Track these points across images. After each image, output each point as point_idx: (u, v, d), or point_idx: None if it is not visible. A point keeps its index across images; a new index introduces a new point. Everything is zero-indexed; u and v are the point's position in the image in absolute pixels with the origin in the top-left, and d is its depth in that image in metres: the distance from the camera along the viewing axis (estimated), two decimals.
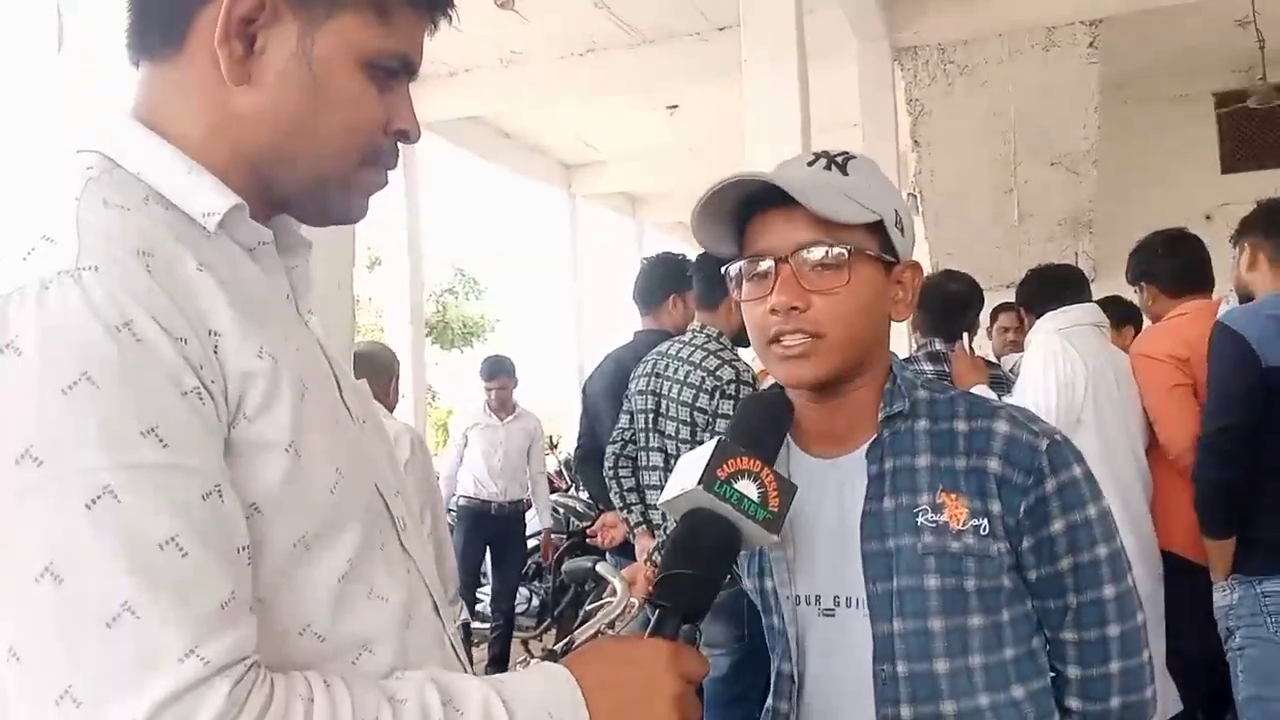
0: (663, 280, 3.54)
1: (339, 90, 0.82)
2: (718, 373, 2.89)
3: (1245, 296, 2.78)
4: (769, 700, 1.26)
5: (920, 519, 1.12)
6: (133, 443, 0.65)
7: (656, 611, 0.94)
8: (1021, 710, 1.12)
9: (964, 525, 1.10)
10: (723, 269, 1.20)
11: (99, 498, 0.63)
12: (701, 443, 2.81)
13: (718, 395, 2.86)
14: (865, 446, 1.18)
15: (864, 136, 7.73)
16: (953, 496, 1.12)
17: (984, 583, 1.11)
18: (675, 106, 8.66)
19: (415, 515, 0.94)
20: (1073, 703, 1.16)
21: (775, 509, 0.97)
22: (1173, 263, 3.22)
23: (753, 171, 1.14)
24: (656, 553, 2.83)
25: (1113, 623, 1.14)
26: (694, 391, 2.89)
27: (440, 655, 0.88)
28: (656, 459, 3.01)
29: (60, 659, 0.62)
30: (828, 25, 6.27)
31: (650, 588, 0.95)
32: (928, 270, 4.66)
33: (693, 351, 2.97)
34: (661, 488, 3.05)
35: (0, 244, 0.72)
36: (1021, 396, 2.81)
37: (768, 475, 0.98)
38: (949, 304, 3.17)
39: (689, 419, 2.89)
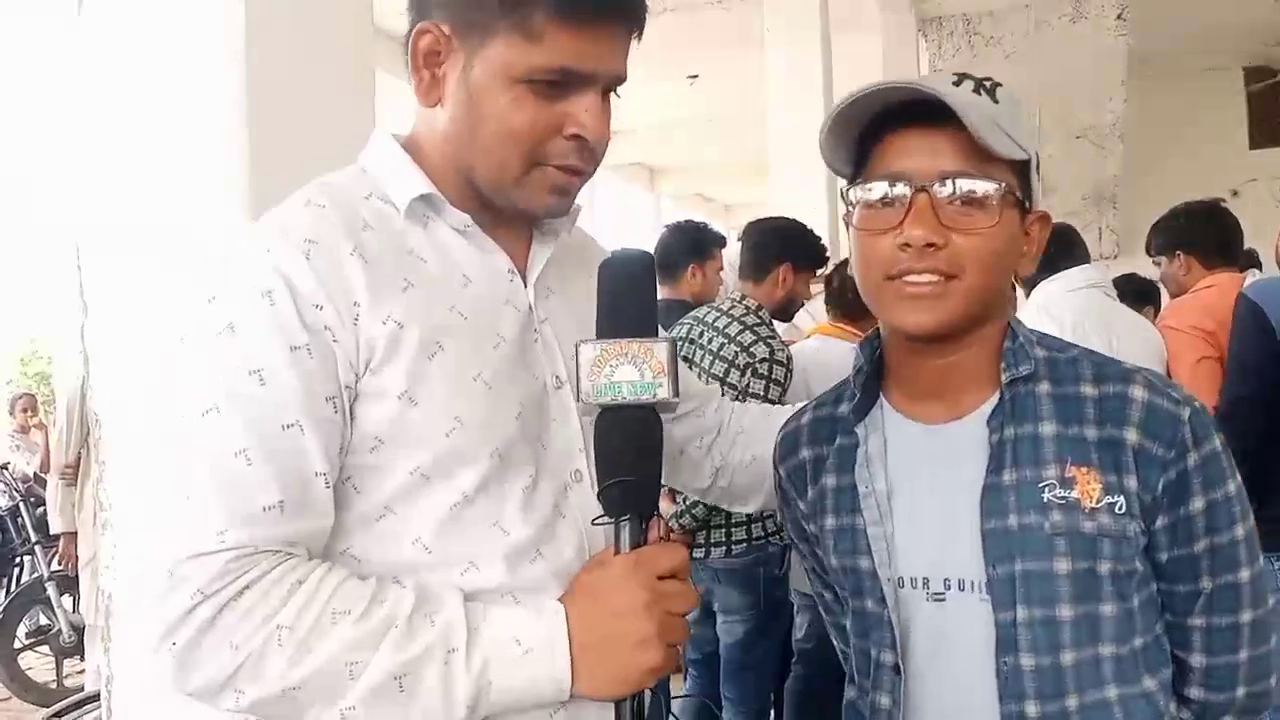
0: (683, 249, 3.51)
1: (491, 106, 0.97)
2: (751, 349, 2.85)
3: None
4: (858, 693, 1.14)
5: (1047, 495, 1.00)
6: (242, 377, 0.89)
7: (614, 527, 0.95)
8: (1153, 701, 1.03)
9: (1098, 503, 0.99)
10: (843, 191, 1.07)
11: (209, 411, 0.89)
12: None
13: (749, 373, 2.83)
14: (980, 411, 1.05)
15: None
16: (1084, 470, 1.00)
17: (1119, 566, 1.00)
18: (695, 77, 8.60)
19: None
20: (1194, 691, 1.07)
21: (662, 374, 0.93)
22: (1216, 229, 3.19)
23: (904, 79, 1.00)
24: (675, 519, 2.84)
25: (1246, 608, 1.04)
26: (726, 365, 2.87)
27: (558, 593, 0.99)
28: None
29: (159, 509, 0.91)
30: None
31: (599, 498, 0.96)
32: None
33: (729, 323, 2.93)
34: None
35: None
36: None
37: (637, 348, 0.94)
38: None
39: (719, 391, 2.87)
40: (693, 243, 3.51)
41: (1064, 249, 3.04)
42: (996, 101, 1.00)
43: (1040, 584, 1.00)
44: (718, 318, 2.96)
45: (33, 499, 6.21)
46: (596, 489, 0.97)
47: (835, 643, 1.31)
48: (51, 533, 5.38)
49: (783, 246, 3.06)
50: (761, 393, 2.81)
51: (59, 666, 5.43)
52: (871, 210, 1.02)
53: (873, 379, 1.12)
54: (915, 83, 0.99)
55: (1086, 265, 3.09)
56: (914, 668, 1.06)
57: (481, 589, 0.96)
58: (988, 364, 1.06)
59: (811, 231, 3.19)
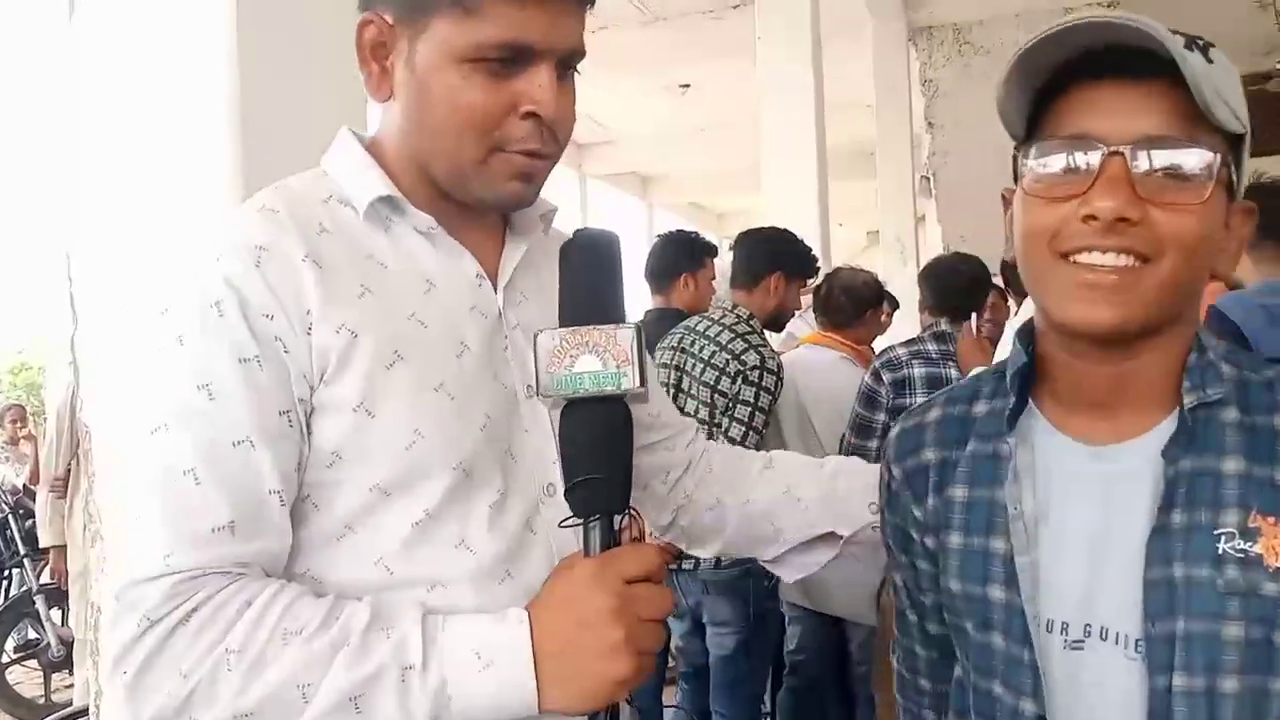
0: (675, 259, 3.52)
1: (439, 89, 0.92)
2: (742, 356, 2.85)
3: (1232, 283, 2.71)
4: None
5: (1223, 545, 0.83)
6: (189, 392, 0.86)
7: (583, 529, 0.90)
8: None
9: None
10: (1016, 151, 0.89)
11: (157, 429, 0.86)
12: (719, 425, 2.87)
13: (740, 380, 2.83)
14: (1151, 435, 0.87)
15: (878, 117, 7.69)
16: (1272, 522, 0.83)
17: None
18: (687, 86, 8.62)
19: None
20: None
21: (626, 364, 0.87)
22: None
23: (1111, 14, 0.80)
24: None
25: None
26: (716, 373, 2.87)
27: None
28: None
29: (114, 533, 0.93)
30: (842, 4, 6.21)
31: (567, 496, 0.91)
32: (940, 253, 4.64)
33: (720, 331, 2.94)
34: None
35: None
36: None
37: (599, 335, 0.88)
38: (958, 285, 3.16)
39: (709, 400, 2.88)
40: (685, 252, 3.51)
41: None
42: (1211, 62, 0.81)
43: (1205, 649, 0.83)
44: (709, 326, 2.97)
45: (21, 511, 6.17)
46: (566, 489, 0.91)
47: (900, 667, 1.19)
48: (40, 546, 5.34)
49: (774, 255, 3.07)
50: (752, 400, 2.82)
51: (47, 681, 5.38)
52: (1050, 175, 0.84)
53: (1021, 379, 0.93)
54: (1129, 19, 0.79)
55: None
56: (1041, 717, 0.90)
57: (448, 612, 0.90)
58: (1167, 378, 0.88)
59: (802, 241, 3.20)
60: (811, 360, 3.38)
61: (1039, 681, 0.89)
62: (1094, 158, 0.81)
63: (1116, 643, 0.87)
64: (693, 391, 2.92)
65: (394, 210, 0.97)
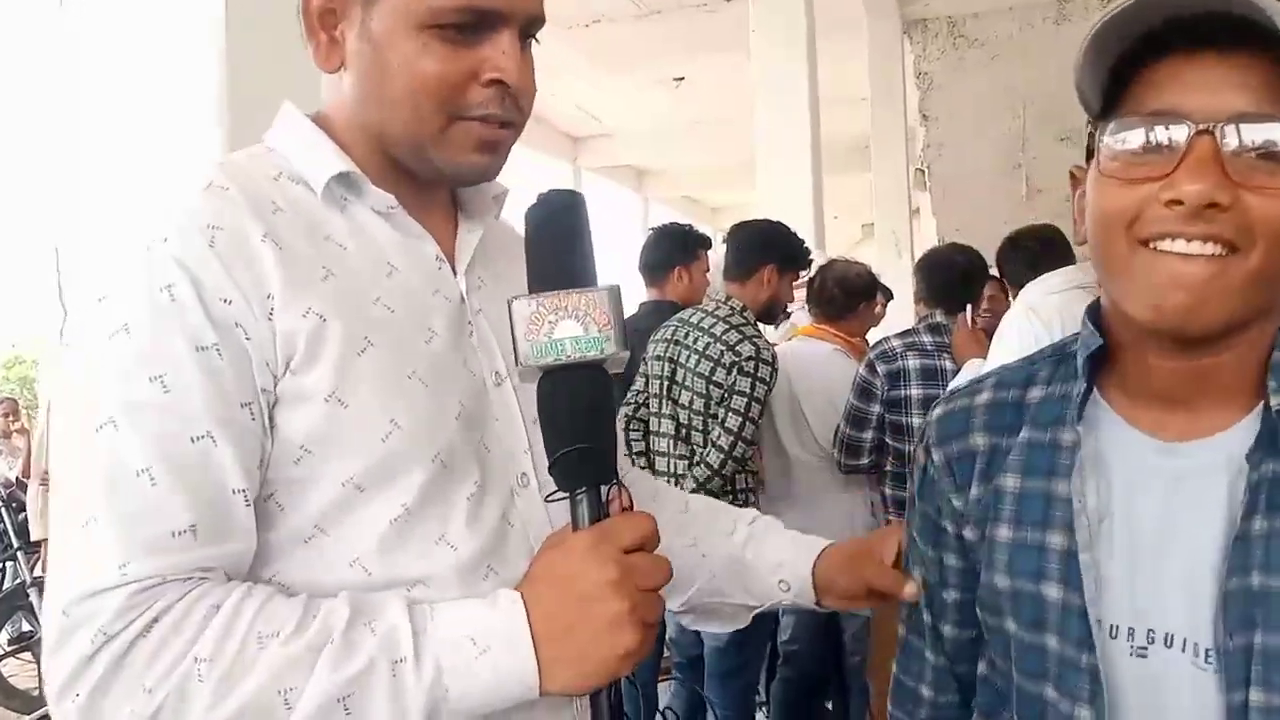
0: (669, 252, 3.52)
1: (396, 57, 0.88)
2: (737, 348, 2.87)
3: None
4: None
5: None
6: (140, 385, 0.78)
7: (570, 502, 0.85)
8: None
9: None
10: (1100, 130, 0.80)
11: (104, 425, 0.78)
12: (714, 416, 2.88)
13: (735, 371, 2.85)
14: (1230, 434, 0.81)
15: (872, 110, 7.69)
16: None
17: None
18: (681, 79, 8.61)
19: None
20: None
21: (608, 327, 0.82)
22: None
23: None
24: None
25: None
26: (711, 364, 2.89)
27: None
28: (668, 426, 3.01)
29: (57, 542, 0.80)
30: None
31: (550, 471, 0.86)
32: (935, 245, 4.64)
33: (714, 323, 2.96)
34: (669, 455, 3.03)
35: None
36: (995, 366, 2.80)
37: (579, 299, 0.83)
38: (953, 276, 3.16)
39: (704, 391, 2.89)
40: (679, 245, 3.52)
41: (1050, 251, 3.07)
42: None
43: None
44: (703, 318, 2.98)
45: (15, 504, 6.16)
46: (548, 462, 0.85)
47: (899, 671, 1.09)
48: (33, 539, 5.33)
49: (766, 248, 3.08)
50: (748, 390, 2.83)
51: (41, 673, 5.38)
52: (1128, 155, 0.76)
53: (1085, 365, 0.86)
54: None
55: (1071, 267, 3.12)
56: None
57: None
58: (1248, 374, 0.81)
59: (795, 233, 3.21)
60: (805, 352, 3.39)
61: (1099, 688, 0.82)
62: (1180, 135, 0.73)
63: (1184, 651, 0.80)
64: (687, 383, 2.93)
65: (350, 189, 0.92)
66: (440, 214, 0.99)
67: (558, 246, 0.88)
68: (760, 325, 3.10)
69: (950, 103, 7.34)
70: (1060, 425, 0.87)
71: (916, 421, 2.93)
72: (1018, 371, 0.95)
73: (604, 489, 0.85)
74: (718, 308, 3.00)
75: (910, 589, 1.02)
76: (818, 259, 3.63)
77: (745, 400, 2.83)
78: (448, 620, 0.82)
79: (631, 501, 0.87)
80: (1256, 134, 0.72)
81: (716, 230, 9.70)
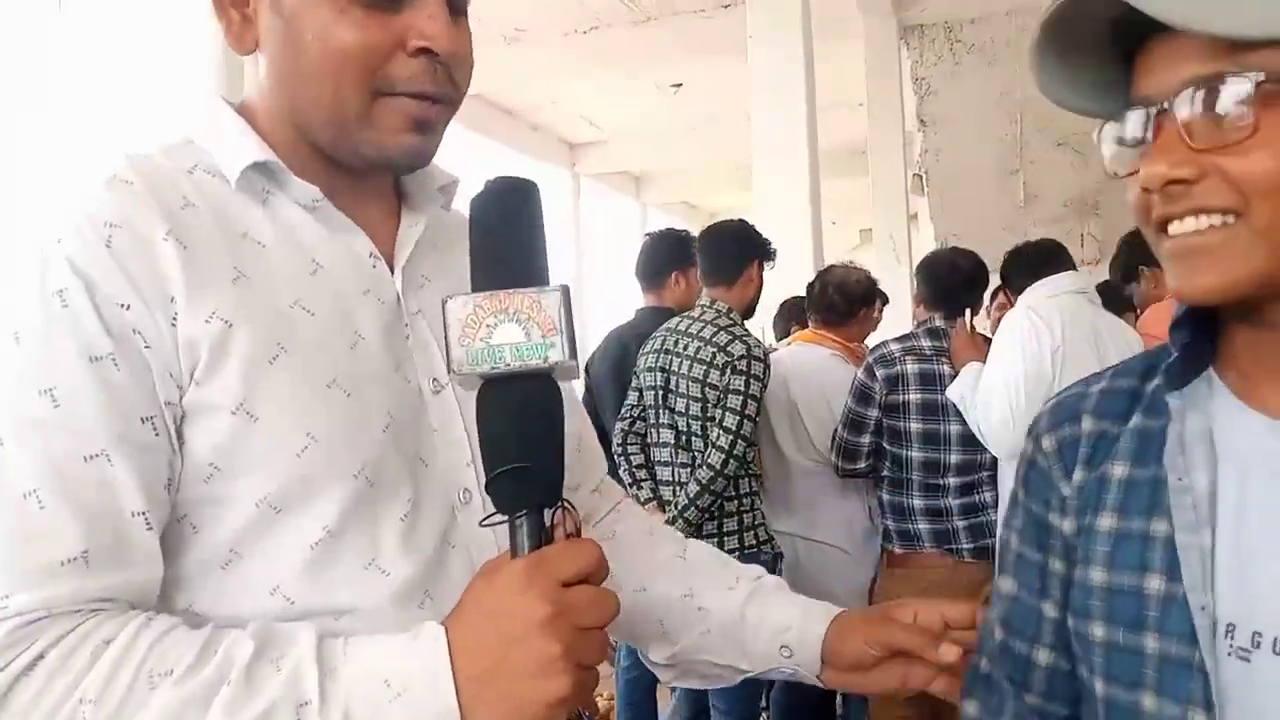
0: (666, 257, 3.53)
1: (311, 28, 0.81)
2: (728, 348, 2.86)
3: None
4: None
5: None
6: (28, 399, 0.72)
7: (509, 526, 0.76)
8: None
9: None
10: (1098, 134, 0.79)
11: None
12: (713, 419, 2.88)
13: (728, 371, 2.86)
14: None
15: (869, 115, 7.70)
16: None
17: None
18: (679, 85, 8.62)
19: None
20: None
21: (553, 332, 0.74)
22: None
23: None
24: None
25: None
26: (704, 367, 2.90)
27: None
28: (667, 435, 3.01)
29: None
30: (833, 2, 6.22)
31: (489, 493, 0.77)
32: (936, 248, 4.65)
33: (703, 327, 2.96)
34: (671, 465, 3.02)
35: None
36: (990, 371, 2.80)
37: (521, 300, 0.74)
38: (954, 281, 3.16)
39: (700, 395, 2.90)
40: (675, 251, 3.52)
41: (1049, 258, 3.09)
42: None
43: None
44: (691, 324, 3.00)
45: None
46: (488, 480, 0.76)
47: (984, 703, 0.92)
48: None
49: (748, 246, 3.12)
50: (743, 389, 2.84)
51: None
52: (1119, 156, 0.77)
53: (1200, 345, 0.80)
54: None
55: (1069, 272, 3.13)
56: None
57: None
58: None
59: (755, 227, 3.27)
60: (803, 358, 3.39)
61: (1209, 688, 0.73)
62: (1141, 122, 0.73)
63: None
64: (682, 390, 2.93)
65: (271, 180, 0.85)
66: (380, 207, 0.92)
67: (502, 240, 0.78)
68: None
69: (947, 108, 7.35)
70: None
71: (914, 426, 2.92)
72: (1139, 361, 0.89)
73: (547, 512, 0.76)
74: (703, 312, 3.01)
75: (946, 652, 0.94)
76: (815, 264, 3.64)
77: (741, 398, 2.83)
78: (362, 657, 0.73)
79: (579, 527, 0.78)
80: (1209, 95, 0.69)
81: None
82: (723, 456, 2.82)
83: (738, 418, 2.83)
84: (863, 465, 3.05)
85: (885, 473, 3.01)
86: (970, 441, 2.82)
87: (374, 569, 0.81)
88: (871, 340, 3.49)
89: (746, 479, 2.97)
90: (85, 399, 0.73)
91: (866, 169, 7.96)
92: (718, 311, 3.00)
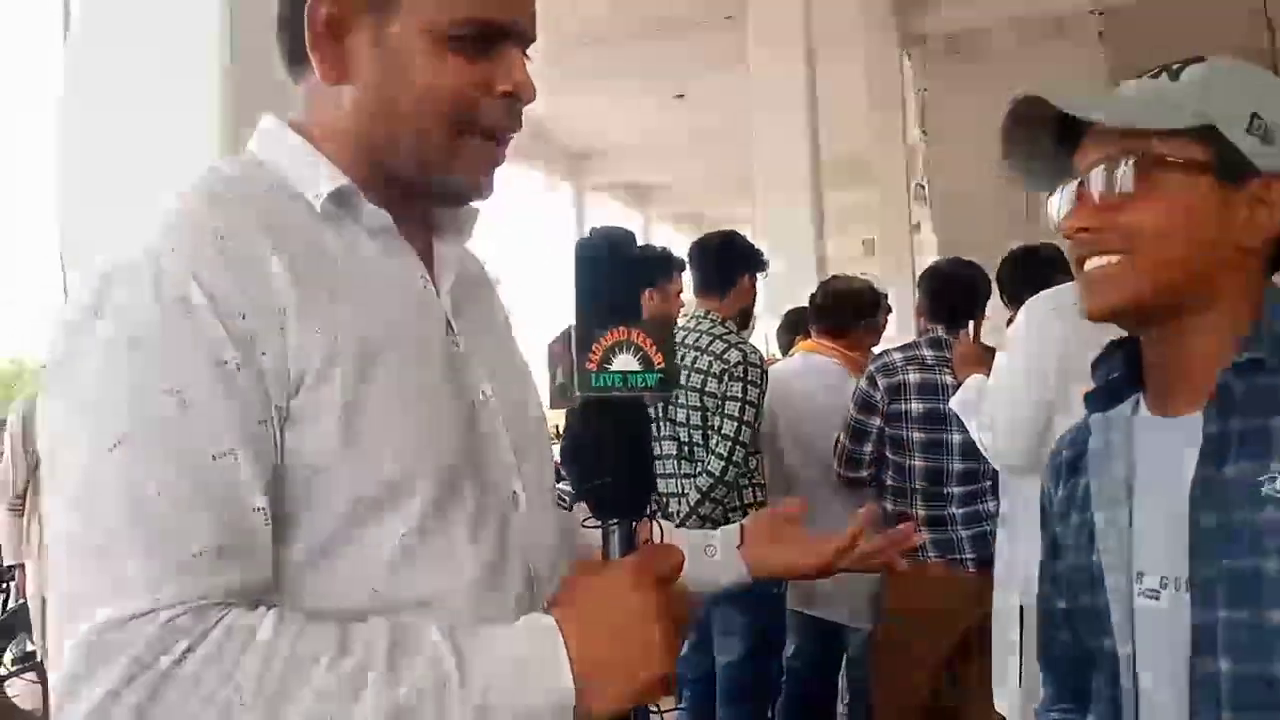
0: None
1: (413, 68, 0.88)
2: (724, 356, 2.88)
3: None
4: (1094, 682, 1.08)
5: (1265, 489, 0.92)
6: (154, 400, 0.75)
7: (603, 532, 0.88)
8: None
9: None
10: (1046, 199, 1.08)
11: (117, 443, 0.74)
12: (714, 427, 2.89)
13: (726, 378, 2.87)
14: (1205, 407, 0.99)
15: (871, 127, 7.71)
16: None
17: None
18: (682, 96, 8.65)
19: (546, 491, 1.03)
20: None
21: (662, 365, 0.86)
22: None
23: (1032, 91, 1.02)
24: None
25: None
26: (702, 376, 2.90)
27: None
28: (669, 448, 3.01)
29: (66, 569, 0.76)
30: (835, 14, 6.23)
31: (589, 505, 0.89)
32: (938, 259, 4.66)
33: (699, 338, 2.97)
34: (674, 476, 3.03)
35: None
36: (996, 381, 2.80)
37: (637, 335, 0.86)
38: (956, 291, 3.15)
39: (699, 404, 2.90)
40: (659, 267, 3.52)
41: (1050, 269, 3.09)
42: (1177, 79, 1.00)
43: (1247, 584, 0.92)
44: (685, 335, 3.01)
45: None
46: (582, 489, 0.88)
47: (1048, 683, 1.21)
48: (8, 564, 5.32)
49: (741, 257, 3.15)
50: (740, 394, 2.86)
51: (45, 694, 5.37)
52: (1061, 213, 1.05)
53: (1126, 377, 1.08)
54: (1041, 95, 1.01)
55: (1069, 284, 3.12)
56: (1134, 661, 1.01)
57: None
58: (1226, 355, 0.98)
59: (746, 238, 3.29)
60: (805, 367, 3.40)
61: (1111, 627, 1.01)
62: (1071, 192, 1.02)
63: (1182, 590, 0.97)
64: (681, 401, 2.93)
65: (343, 205, 0.91)
66: (419, 234, 0.98)
67: (617, 283, 0.89)
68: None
69: (949, 118, 7.35)
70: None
71: (916, 436, 2.92)
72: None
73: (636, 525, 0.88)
74: (698, 323, 3.03)
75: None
76: (818, 274, 3.64)
77: (739, 404, 2.85)
78: (488, 644, 0.81)
79: (663, 534, 0.90)
80: (1109, 172, 0.98)
81: None
82: (722, 463, 2.83)
83: (736, 424, 2.84)
84: (864, 474, 3.06)
85: (888, 482, 3.01)
86: (973, 451, 2.81)
87: (450, 563, 0.88)
88: (875, 351, 3.49)
89: (750, 488, 2.97)
90: (212, 400, 0.77)
91: (869, 180, 7.97)
92: (712, 321, 3.02)
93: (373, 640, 0.78)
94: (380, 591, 0.84)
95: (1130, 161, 0.96)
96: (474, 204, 1.01)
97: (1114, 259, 0.98)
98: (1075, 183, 1.00)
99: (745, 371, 2.87)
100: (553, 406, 0.95)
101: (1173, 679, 0.97)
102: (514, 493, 0.96)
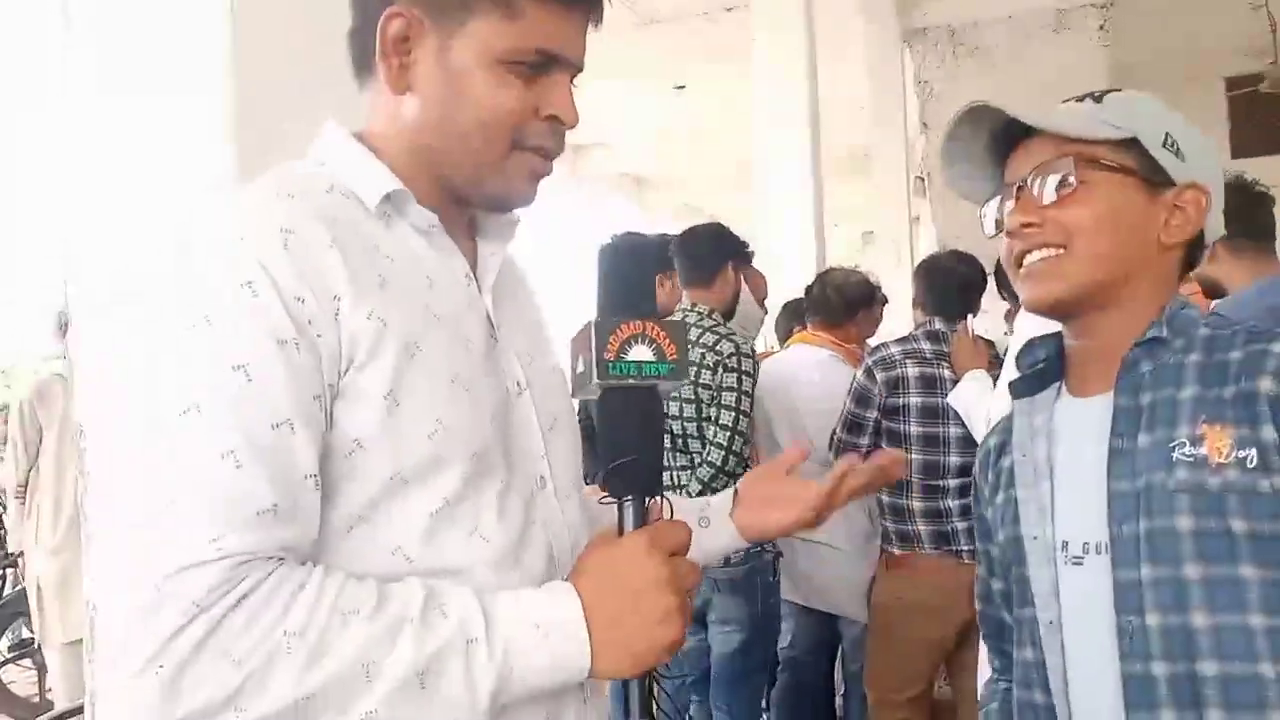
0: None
1: (473, 87, 0.97)
2: (717, 347, 2.89)
3: (1210, 289, 2.67)
4: (1016, 651, 1.18)
5: (1176, 454, 1.00)
6: (224, 373, 0.84)
7: (618, 507, 0.96)
8: None
9: (1226, 458, 0.98)
10: (980, 210, 1.19)
11: (187, 410, 0.83)
12: (708, 419, 2.89)
13: (720, 369, 2.88)
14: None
15: (872, 119, 7.71)
16: (1215, 428, 0.99)
17: (1257, 526, 0.97)
18: (683, 87, 8.63)
19: (572, 478, 1.11)
20: None
21: (674, 357, 0.95)
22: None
23: (981, 101, 1.13)
24: None
25: None
26: (695, 368, 2.91)
27: None
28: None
29: (127, 522, 0.84)
30: (836, 6, 6.22)
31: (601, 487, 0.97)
32: (936, 251, 4.65)
33: (688, 330, 2.98)
34: (670, 469, 3.03)
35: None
36: (1003, 382, 2.80)
37: (651, 329, 0.95)
38: (953, 285, 3.15)
39: (694, 395, 2.90)
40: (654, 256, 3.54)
41: None
42: (1100, 102, 1.12)
43: (1164, 542, 0.99)
44: None
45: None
46: (604, 469, 0.95)
47: (994, 657, 1.30)
48: (10, 550, 5.33)
49: (723, 246, 3.15)
50: (735, 385, 2.87)
51: (41, 680, 5.38)
52: (1002, 216, 1.15)
53: (1054, 367, 1.18)
54: (980, 102, 1.12)
55: None
56: (1061, 625, 1.08)
57: None
58: (1126, 346, 1.09)
59: (734, 231, 3.28)
60: (801, 359, 3.41)
61: (1033, 592, 1.10)
62: (1006, 195, 1.13)
63: (1104, 553, 1.05)
64: (674, 393, 2.93)
65: (395, 206, 0.99)
66: (463, 235, 1.06)
67: (634, 279, 0.99)
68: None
69: (950, 111, 7.25)
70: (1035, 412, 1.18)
71: (914, 429, 2.93)
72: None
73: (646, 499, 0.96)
74: (685, 315, 3.03)
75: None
76: (817, 266, 3.64)
77: (735, 394, 2.87)
78: (511, 607, 0.90)
79: (672, 510, 0.97)
80: (1047, 175, 1.09)
81: None
82: (722, 453, 2.84)
83: (734, 414, 2.86)
84: None
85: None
86: (970, 444, 2.82)
87: (476, 536, 0.96)
88: (871, 343, 3.49)
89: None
90: (274, 375, 0.85)
91: (868, 172, 7.96)
92: (700, 314, 3.02)
93: (409, 598, 0.87)
94: (412, 560, 0.92)
95: (1071, 160, 1.07)
96: (516, 211, 1.09)
97: (1054, 252, 1.08)
98: (1014, 187, 1.11)
99: (739, 362, 2.89)
100: (573, 394, 1.03)
101: (1096, 636, 1.05)
102: (541, 477, 1.05)
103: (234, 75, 1.44)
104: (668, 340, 0.94)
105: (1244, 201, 2.45)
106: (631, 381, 0.94)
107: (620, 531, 0.95)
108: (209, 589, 0.80)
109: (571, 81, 1.04)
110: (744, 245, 3.23)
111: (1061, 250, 1.08)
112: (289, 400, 0.85)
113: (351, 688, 0.83)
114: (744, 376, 2.89)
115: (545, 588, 0.93)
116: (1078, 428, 1.12)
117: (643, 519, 0.95)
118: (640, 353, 0.94)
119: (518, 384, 1.05)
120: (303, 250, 0.88)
